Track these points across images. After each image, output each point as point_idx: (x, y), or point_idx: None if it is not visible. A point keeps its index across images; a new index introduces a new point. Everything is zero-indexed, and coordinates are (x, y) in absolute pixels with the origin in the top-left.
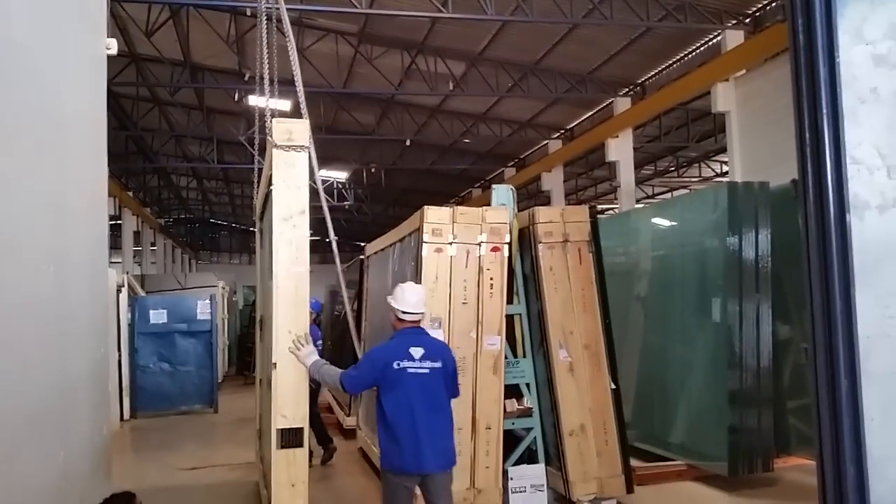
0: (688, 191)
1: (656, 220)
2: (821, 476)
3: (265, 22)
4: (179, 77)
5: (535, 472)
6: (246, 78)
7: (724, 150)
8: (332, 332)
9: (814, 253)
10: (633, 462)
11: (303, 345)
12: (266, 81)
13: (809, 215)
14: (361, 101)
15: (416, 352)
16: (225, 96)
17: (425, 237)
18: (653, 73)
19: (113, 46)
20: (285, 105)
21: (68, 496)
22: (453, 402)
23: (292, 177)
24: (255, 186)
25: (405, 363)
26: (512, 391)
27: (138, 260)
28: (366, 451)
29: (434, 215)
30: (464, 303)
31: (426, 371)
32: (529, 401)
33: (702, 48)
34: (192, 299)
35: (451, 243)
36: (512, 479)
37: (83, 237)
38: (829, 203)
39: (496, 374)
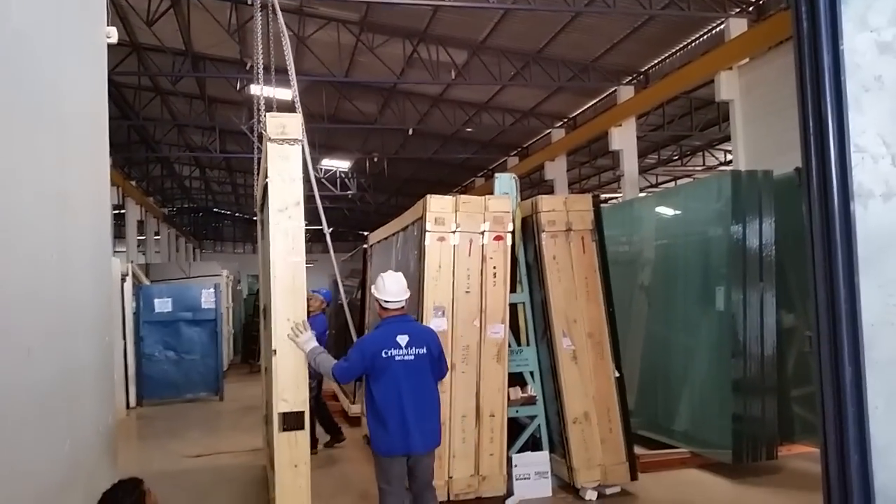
0: (691, 180)
1: (660, 209)
2: (825, 464)
3: (261, 11)
4: (181, 66)
5: (539, 460)
6: (247, 67)
7: (727, 138)
8: (336, 321)
9: (818, 241)
10: (637, 450)
11: (301, 331)
12: (261, 72)
13: (813, 204)
14: (363, 90)
15: (403, 339)
16: (226, 85)
17: (428, 226)
18: (656, 61)
19: (113, 35)
20: (286, 94)
21: (74, 483)
22: (458, 390)
23: (286, 169)
24: (256, 176)
25: (393, 351)
26: (516, 379)
27: (142, 249)
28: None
29: (437, 204)
30: (467, 291)
31: (412, 358)
32: (533, 389)
33: (705, 36)
34: (196, 288)
35: (453, 232)
36: (516, 466)
37: (86, 226)
38: (833, 191)
39: (500, 362)
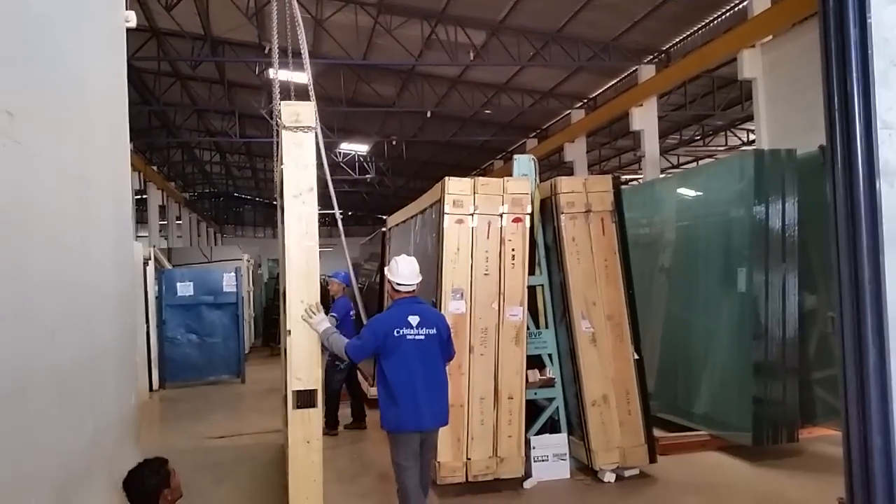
0: (713, 160)
1: (681, 190)
2: (847, 447)
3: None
4: (200, 51)
5: (558, 441)
6: (266, 51)
7: (750, 118)
8: (353, 304)
9: (842, 221)
10: (656, 432)
11: (314, 313)
12: (276, 59)
13: (837, 182)
14: (381, 73)
15: (414, 319)
16: (246, 70)
17: (446, 208)
18: (678, 39)
19: (132, 19)
20: (304, 77)
21: (97, 463)
22: (477, 372)
23: (300, 156)
24: (276, 161)
25: (404, 330)
26: (534, 362)
27: (164, 234)
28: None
29: (455, 186)
30: (485, 274)
31: (422, 337)
32: (552, 371)
33: (728, 13)
34: (217, 272)
35: (472, 214)
36: (534, 448)
37: (107, 209)
38: (859, 169)
39: (518, 344)
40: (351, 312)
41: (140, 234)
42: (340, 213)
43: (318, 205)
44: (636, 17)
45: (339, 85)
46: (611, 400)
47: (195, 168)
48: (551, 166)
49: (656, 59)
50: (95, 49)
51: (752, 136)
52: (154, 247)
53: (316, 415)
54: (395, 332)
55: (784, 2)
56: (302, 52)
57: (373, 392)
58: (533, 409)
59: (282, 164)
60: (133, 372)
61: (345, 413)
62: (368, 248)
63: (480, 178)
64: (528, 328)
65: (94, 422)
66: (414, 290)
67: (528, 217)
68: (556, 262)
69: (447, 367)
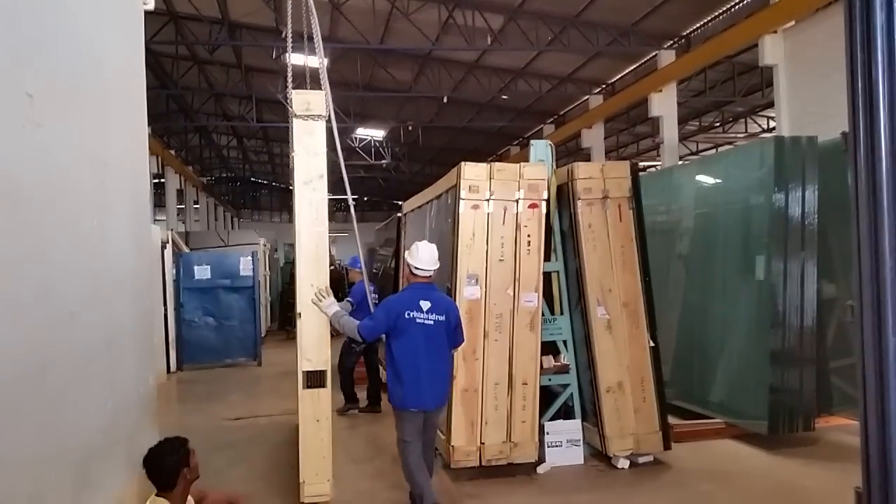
0: (733, 147)
1: (700, 177)
2: (864, 436)
3: None
4: (217, 35)
5: (572, 427)
6: (283, 35)
7: (771, 104)
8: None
9: (863, 208)
10: (671, 420)
11: (324, 297)
12: (290, 48)
13: (859, 169)
14: (398, 58)
15: (425, 304)
16: (263, 54)
17: (462, 194)
18: (698, 24)
19: (150, 2)
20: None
21: (116, 443)
22: (491, 357)
23: (311, 144)
24: (292, 146)
25: (415, 313)
26: (549, 348)
27: (182, 218)
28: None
29: (471, 171)
30: (501, 260)
31: (431, 322)
32: (566, 357)
33: None
34: (234, 256)
35: (488, 200)
36: (548, 433)
37: (125, 192)
38: (882, 156)
39: (533, 330)
40: (375, 294)
41: (158, 218)
42: (354, 201)
43: (334, 191)
44: (657, 1)
45: (355, 70)
46: (626, 387)
47: (212, 152)
48: (568, 152)
49: (676, 45)
50: (113, 32)
51: (772, 123)
52: (172, 230)
53: (325, 394)
54: (406, 314)
55: None
56: (315, 41)
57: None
58: (547, 395)
59: (293, 151)
60: (151, 353)
61: (360, 397)
62: (384, 233)
63: (496, 163)
64: (542, 314)
65: (113, 402)
66: (430, 277)
67: (544, 203)
68: (571, 248)
69: (460, 352)
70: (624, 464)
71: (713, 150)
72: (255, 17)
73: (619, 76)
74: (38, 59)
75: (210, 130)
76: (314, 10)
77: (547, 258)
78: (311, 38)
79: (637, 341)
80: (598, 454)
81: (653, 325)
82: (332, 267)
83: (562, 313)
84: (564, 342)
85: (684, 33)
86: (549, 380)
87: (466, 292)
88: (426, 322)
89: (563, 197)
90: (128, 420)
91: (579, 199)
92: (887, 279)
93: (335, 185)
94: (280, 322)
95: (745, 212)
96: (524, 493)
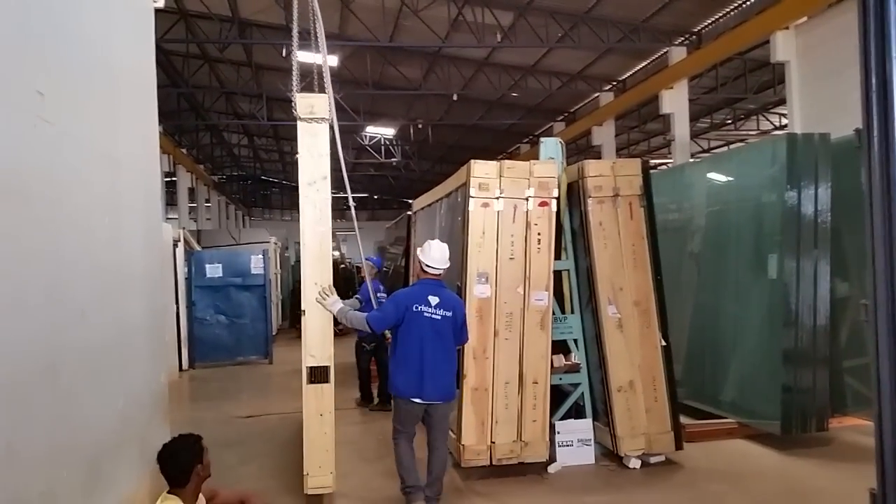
0: (745, 144)
1: (711, 175)
2: (879, 436)
3: None
4: (228, 33)
5: (583, 427)
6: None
7: (783, 101)
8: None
9: (877, 206)
10: (683, 419)
11: (328, 295)
12: (296, 44)
13: (873, 166)
14: (408, 55)
15: (433, 300)
16: (273, 52)
17: (472, 192)
18: (709, 21)
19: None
20: (332, 60)
21: (127, 440)
22: (501, 356)
23: (315, 146)
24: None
25: (422, 307)
26: (559, 347)
27: (194, 216)
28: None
29: (481, 169)
30: (511, 258)
31: (438, 317)
32: (577, 356)
33: None
34: (246, 254)
35: (498, 198)
36: (559, 433)
37: (136, 190)
38: None
39: (543, 329)
40: (381, 294)
41: (170, 216)
42: (355, 201)
43: (344, 188)
44: None
45: (365, 67)
46: (637, 386)
47: (223, 151)
48: (579, 150)
49: (687, 41)
50: (124, 30)
51: (784, 120)
52: (183, 229)
53: (328, 390)
54: (414, 308)
55: None
56: (319, 45)
57: None
58: (558, 395)
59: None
60: (163, 351)
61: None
62: (394, 231)
63: (507, 161)
64: (553, 313)
65: (125, 399)
66: (440, 274)
67: (554, 201)
68: (582, 246)
69: (470, 351)
70: (635, 464)
71: (725, 148)
72: (265, 15)
73: (630, 73)
74: (48, 58)
75: (221, 129)
76: (319, 14)
77: (557, 256)
78: (327, 36)
79: (648, 340)
80: (610, 454)
81: (664, 323)
82: (343, 265)
83: (572, 312)
84: (575, 341)
85: (695, 30)
86: (560, 379)
87: (476, 290)
88: (433, 316)
89: (574, 195)
90: (139, 418)
91: (590, 196)
92: None
93: (341, 182)
94: (291, 320)
95: (758, 210)
96: (535, 492)
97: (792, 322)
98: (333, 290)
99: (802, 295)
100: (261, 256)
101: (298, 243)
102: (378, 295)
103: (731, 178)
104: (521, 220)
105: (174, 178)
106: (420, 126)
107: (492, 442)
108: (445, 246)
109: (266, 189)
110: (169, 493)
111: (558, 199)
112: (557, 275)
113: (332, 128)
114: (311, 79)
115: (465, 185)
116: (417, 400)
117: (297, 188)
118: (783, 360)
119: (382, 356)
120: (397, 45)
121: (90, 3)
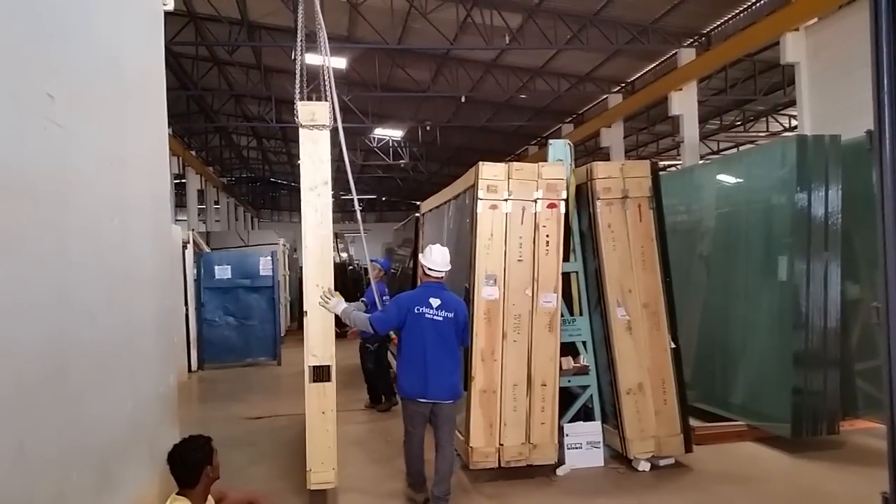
0: (754, 146)
1: (721, 177)
2: (891, 440)
3: None
4: (237, 36)
5: (592, 430)
6: (304, 34)
7: (793, 103)
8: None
9: (889, 207)
10: (693, 422)
11: (329, 297)
12: (300, 46)
13: (885, 168)
14: (416, 57)
15: (435, 302)
16: (282, 55)
17: (480, 194)
18: (719, 22)
19: (170, 2)
20: (341, 62)
21: (137, 442)
22: (510, 358)
23: (316, 152)
24: None
25: (424, 309)
26: (568, 349)
27: (203, 218)
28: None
29: (489, 171)
30: (519, 260)
31: (440, 319)
32: (586, 359)
33: None
34: (254, 256)
35: (506, 200)
36: (568, 435)
37: (145, 192)
38: None
39: (552, 331)
40: (385, 297)
41: (179, 218)
42: (361, 206)
43: (349, 191)
44: None
45: (373, 69)
46: (646, 388)
47: (232, 153)
48: (587, 152)
49: (696, 43)
50: (133, 33)
51: (794, 122)
52: (193, 230)
53: (331, 388)
54: (416, 310)
55: None
56: (323, 53)
57: None
58: (567, 397)
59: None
60: (172, 353)
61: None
62: (402, 233)
63: (515, 163)
64: (562, 315)
65: (134, 400)
66: (442, 277)
67: (562, 203)
68: (591, 248)
69: (479, 353)
70: (645, 466)
71: (734, 150)
72: (274, 18)
73: (639, 75)
74: (58, 61)
75: (230, 131)
76: (323, 24)
77: (566, 258)
78: (330, 39)
79: (658, 342)
80: (619, 456)
81: (674, 326)
82: (351, 267)
83: (581, 314)
84: (584, 343)
85: (704, 31)
86: (569, 381)
87: (485, 293)
88: (435, 318)
89: (582, 197)
90: (148, 419)
91: (598, 198)
92: None
93: (347, 185)
94: (299, 321)
95: (768, 212)
96: (544, 494)
97: (802, 324)
98: (334, 292)
99: (813, 297)
100: (269, 258)
101: None
102: (384, 298)
103: (740, 180)
104: (530, 222)
105: (184, 181)
106: (428, 128)
107: (500, 444)
108: (446, 250)
109: (275, 191)
110: (178, 494)
111: (567, 200)
112: (566, 277)
113: (337, 131)
114: (318, 81)
115: (474, 187)
116: (423, 399)
117: None
118: (793, 363)
119: (382, 358)
120: (406, 47)
121: (100, 5)
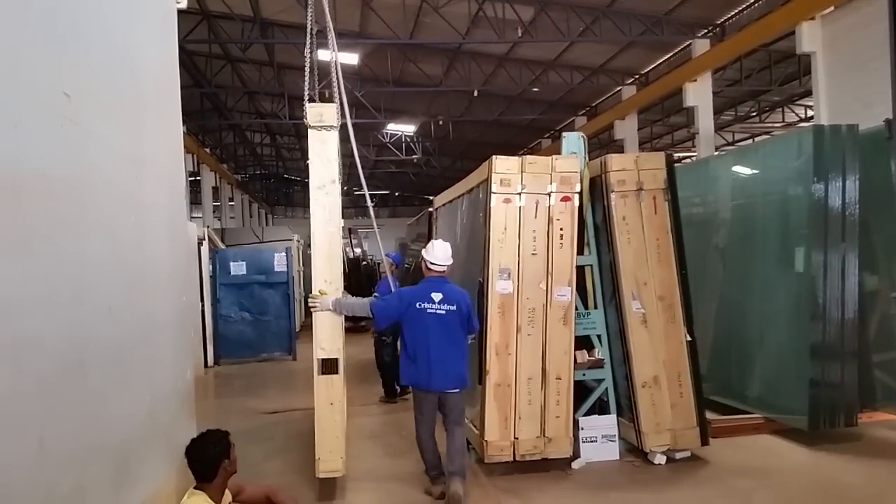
0: (770, 137)
1: (736, 168)
2: None
3: None
4: (250, 33)
5: (607, 423)
6: (314, 32)
7: (809, 93)
8: (401, 284)
9: None
10: (709, 415)
11: (317, 300)
12: (311, 44)
13: None
14: (428, 52)
15: (436, 296)
16: (295, 51)
17: (494, 187)
18: (733, 12)
19: (183, 0)
20: (353, 58)
21: (155, 437)
22: (524, 352)
23: (324, 152)
24: None
25: (426, 304)
26: (583, 342)
27: (218, 215)
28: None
29: (503, 165)
30: (533, 254)
31: (443, 312)
32: (601, 352)
33: None
34: (269, 252)
35: (520, 193)
36: (583, 428)
37: (161, 189)
38: None
39: (566, 325)
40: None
41: (194, 215)
42: (373, 202)
43: (361, 187)
44: None
45: (385, 65)
46: (662, 381)
47: (246, 150)
48: (601, 144)
49: (711, 33)
50: (147, 30)
51: (810, 112)
52: (208, 227)
53: (339, 380)
54: (418, 305)
55: None
56: (332, 56)
57: None
58: (582, 390)
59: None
60: (189, 348)
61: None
62: (415, 228)
63: (528, 156)
64: (576, 308)
65: (151, 395)
66: (444, 271)
67: (576, 196)
68: (605, 241)
69: (493, 347)
70: (661, 459)
71: (750, 140)
72: (287, 15)
73: (653, 66)
74: (74, 59)
75: (244, 128)
76: (332, 26)
77: (580, 252)
78: (339, 35)
79: (673, 335)
80: (634, 450)
81: (689, 318)
82: (365, 262)
83: (595, 307)
84: (598, 336)
85: (719, 21)
86: (584, 374)
87: (499, 286)
88: (438, 311)
89: (597, 189)
90: (166, 414)
91: (613, 191)
92: None
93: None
94: None
95: (784, 203)
96: (559, 488)
97: (819, 316)
98: (323, 292)
99: (830, 288)
100: (284, 254)
101: None
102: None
103: (756, 171)
104: (544, 216)
105: (198, 178)
106: (441, 122)
107: (515, 438)
108: (447, 244)
109: (288, 187)
110: (196, 488)
111: (581, 193)
112: (580, 270)
113: (347, 128)
114: (331, 78)
115: (487, 181)
116: (430, 390)
117: None
118: (810, 355)
119: (393, 352)
120: (418, 42)
121: (115, 4)
